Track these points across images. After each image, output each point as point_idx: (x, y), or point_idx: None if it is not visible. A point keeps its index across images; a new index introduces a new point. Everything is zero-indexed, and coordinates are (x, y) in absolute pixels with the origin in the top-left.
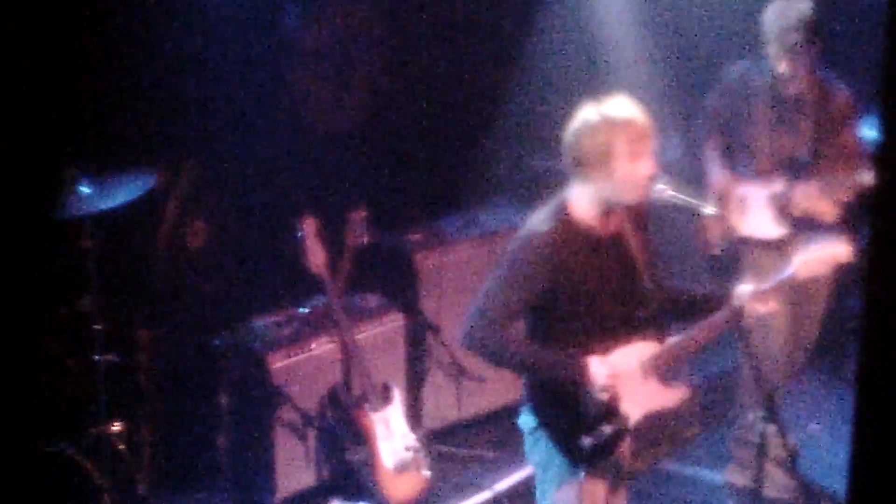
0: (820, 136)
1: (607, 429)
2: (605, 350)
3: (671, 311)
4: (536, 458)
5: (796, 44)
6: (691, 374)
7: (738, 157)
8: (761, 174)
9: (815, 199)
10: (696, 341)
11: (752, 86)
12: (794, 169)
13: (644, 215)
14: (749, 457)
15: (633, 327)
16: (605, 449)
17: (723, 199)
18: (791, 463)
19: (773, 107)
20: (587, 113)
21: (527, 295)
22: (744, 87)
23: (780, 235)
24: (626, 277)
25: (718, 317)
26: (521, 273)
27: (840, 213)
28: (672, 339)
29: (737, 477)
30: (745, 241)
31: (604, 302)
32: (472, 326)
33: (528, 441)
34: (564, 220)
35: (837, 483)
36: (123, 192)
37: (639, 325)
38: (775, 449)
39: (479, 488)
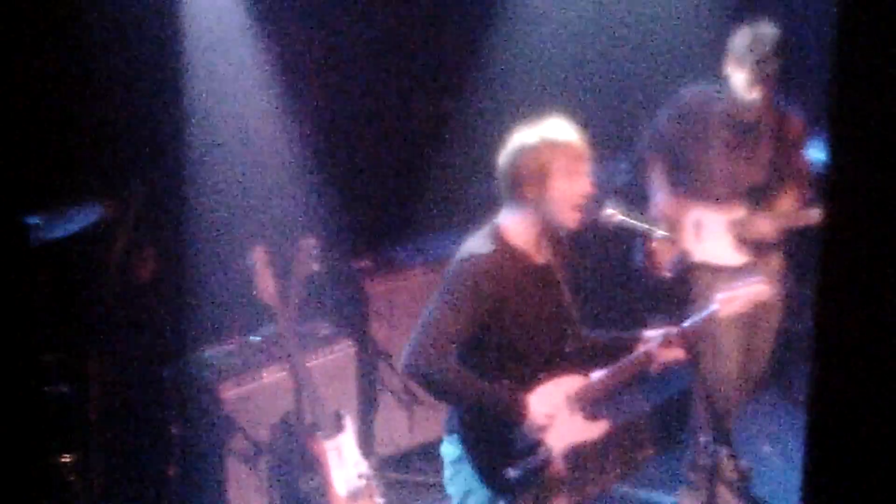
0: (776, 163)
1: (532, 461)
2: (534, 381)
3: (597, 347)
4: (456, 489)
5: (771, 71)
6: (639, 402)
7: (691, 181)
8: (719, 200)
9: (774, 224)
10: (617, 379)
11: (710, 110)
12: (754, 196)
13: (574, 250)
14: (701, 479)
15: (560, 360)
16: (529, 480)
17: (670, 223)
18: (743, 485)
19: (732, 132)
20: (522, 134)
21: (464, 321)
22: (701, 110)
23: (739, 263)
24: (556, 308)
25: (627, 362)
26: (457, 299)
27: (792, 239)
28: (596, 375)
29: (689, 500)
30: (701, 267)
31: (535, 331)
32: (412, 354)
33: (448, 470)
34: (500, 243)
35: None
36: (71, 224)
37: (566, 358)
38: (727, 471)
39: None
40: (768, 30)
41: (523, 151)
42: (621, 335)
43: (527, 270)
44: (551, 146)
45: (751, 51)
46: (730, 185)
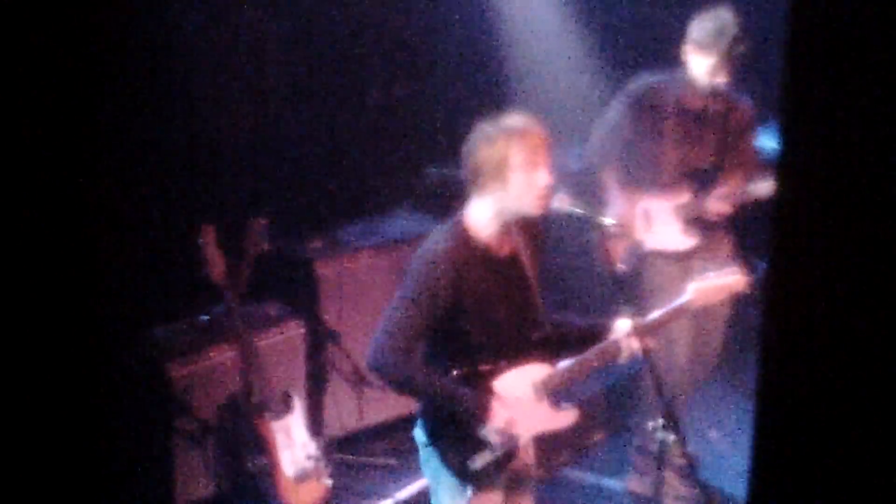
0: (724, 148)
1: (497, 449)
2: (499, 372)
3: (564, 336)
4: (429, 473)
5: (730, 56)
6: (590, 384)
7: (641, 172)
8: (666, 187)
9: (719, 203)
10: (585, 367)
11: (661, 99)
12: (699, 180)
13: (540, 236)
14: (649, 465)
15: (526, 349)
16: (494, 469)
17: (626, 215)
18: (690, 471)
19: (681, 119)
20: (483, 127)
21: (429, 314)
22: (652, 100)
23: (688, 247)
24: (522, 298)
25: (596, 350)
26: (422, 292)
27: (739, 217)
28: (563, 364)
29: (637, 484)
30: (653, 255)
31: (500, 322)
32: (377, 351)
33: (421, 454)
34: (462, 238)
35: (737, 489)
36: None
37: (532, 347)
38: (675, 457)
39: (381, 496)
40: (730, 15)
41: (482, 142)
42: (593, 323)
43: (490, 263)
44: (510, 136)
45: (711, 36)
46: (678, 172)
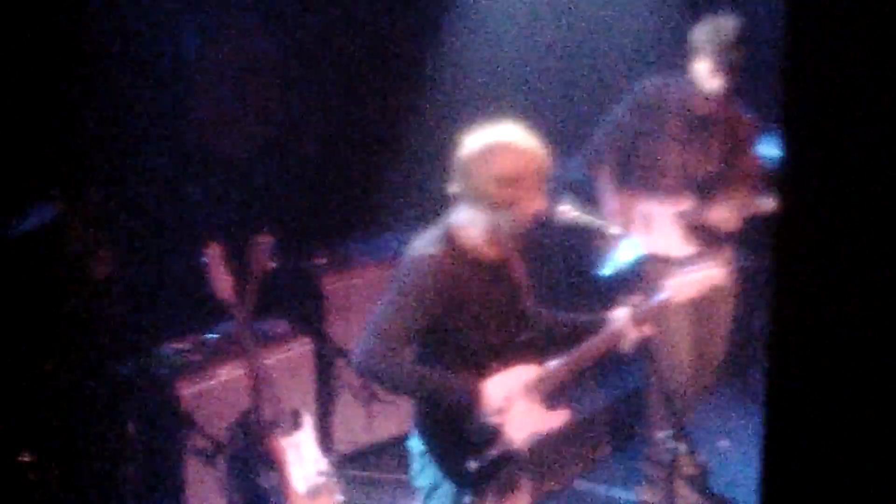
0: (728, 156)
1: (493, 452)
2: (489, 374)
3: (553, 336)
4: (423, 482)
5: (733, 62)
6: (596, 399)
7: (642, 175)
8: (668, 192)
9: (724, 215)
10: (577, 364)
11: (667, 102)
12: (702, 187)
13: (534, 239)
14: (660, 475)
15: (515, 351)
16: (491, 472)
17: (622, 217)
18: (701, 480)
19: (686, 124)
20: (475, 139)
21: (415, 318)
22: (657, 103)
23: (688, 253)
24: (510, 301)
25: (596, 341)
26: (408, 297)
27: (743, 230)
28: (553, 363)
29: (649, 495)
30: (651, 260)
31: (488, 326)
32: (364, 351)
33: (415, 464)
34: (451, 244)
35: (747, 498)
36: (25, 223)
37: (521, 348)
38: (685, 467)
39: None
40: (731, 21)
41: (475, 157)
42: (588, 316)
43: (477, 268)
44: (504, 152)
45: (714, 41)
46: (680, 177)
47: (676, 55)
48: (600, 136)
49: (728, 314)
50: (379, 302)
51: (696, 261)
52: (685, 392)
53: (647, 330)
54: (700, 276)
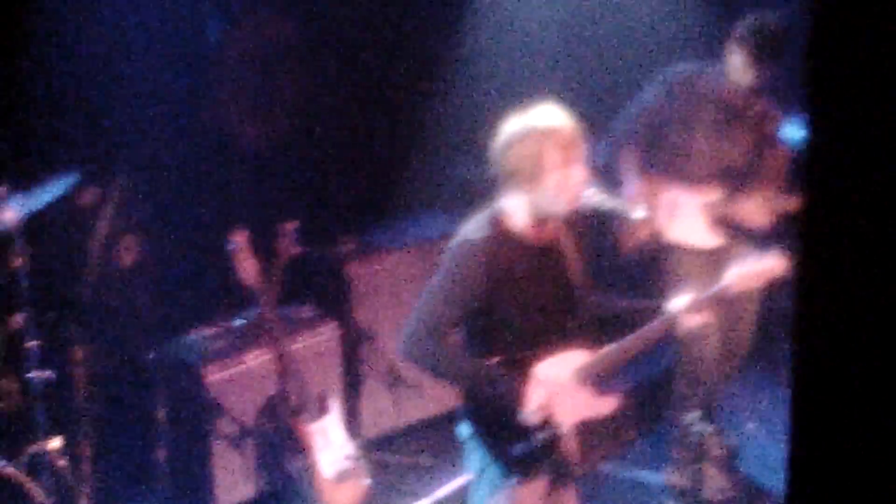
0: (759, 150)
1: (539, 436)
2: (538, 359)
3: (605, 321)
4: (473, 466)
5: (772, 57)
6: (627, 378)
7: (670, 161)
8: (696, 181)
9: (752, 210)
10: (629, 351)
11: (698, 89)
12: (732, 178)
13: (580, 222)
14: (687, 457)
15: (566, 336)
16: (538, 456)
17: (644, 200)
18: (730, 462)
19: (717, 113)
20: (514, 123)
21: (462, 304)
22: (690, 89)
23: (714, 245)
24: (560, 286)
25: (651, 328)
26: (455, 282)
27: (775, 225)
28: (604, 349)
29: (676, 478)
30: (675, 247)
31: (537, 311)
32: (409, 336)
33: (466, 449)
34: (498, 228)
35: (775, 481)
36: (46, 194)
37: (572, 333)
38: (713, 449)
39: (419, 495)
40: (774, 17)
41: (514, 142)
42: (643, 302)
43: (525, 252)
44: (542, 135)
45: (756, 36)
46: (708, 167)
47: (706, 44)
48: (628, 116)
49: (756, 299)
50: (425, 288)
51: (718, 256)
52: (713, 375)
53: (704, 318)
54: (760, 267)
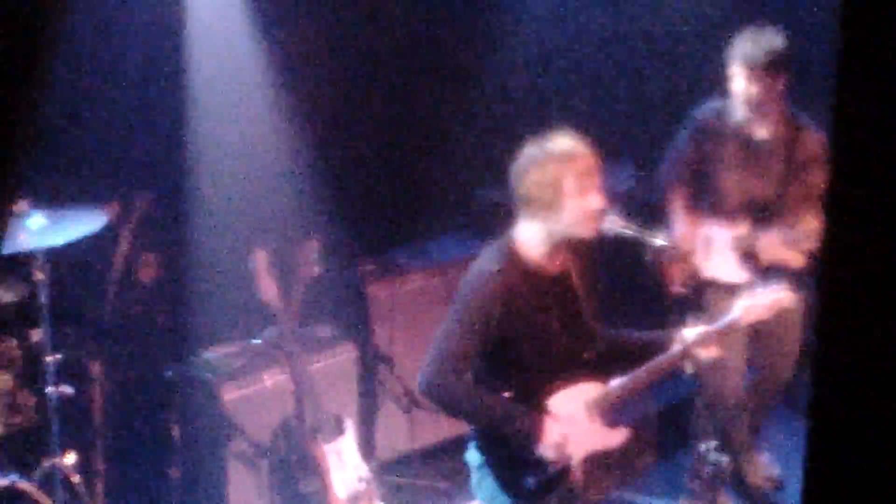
0: (789, 180)
1: (551, 468)
2: (552, 391)
3: (616, 353)
4: (482, 494)
5: (763, 71)
6: (642, 405)
7: (705, 198)
8: (727, 215)
9: (782, 247)
10: (640, 383)
11: (724, 125)
12: (760, 211)
13: (590, 254)
14: (703, 487)
15: (578, 367)
16: (549, 487)
17: (688, 240)
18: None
19: (744, 147)
20: (532, 150)
21: (481, 336)
22: (716, 125)
23: (742, 280)
24: (573, 317)
25: (662, 360)
26: (473, 314)
27: (806, 262)
28: (616, 381)
29: None
30: (709, 284)
31: (550, 342)
32: (430, 373)
33: (474, 476)
34: (512, 259)
35: None
36: (75, 229)
37: (584, 365)
38: (729, 479)
39: None
40: (764, 34)
41: (532, 169)
42: (653, 335)
43: (540, 283)
44: (560, 162)
45: (741, 51)
46: (736, 201)
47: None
48: (667, 161)
49: (797, 333)
50: (443, 322)
51: (760, 284)
52: (733, 406)
53: (714, 352)
54: (769, 299)
